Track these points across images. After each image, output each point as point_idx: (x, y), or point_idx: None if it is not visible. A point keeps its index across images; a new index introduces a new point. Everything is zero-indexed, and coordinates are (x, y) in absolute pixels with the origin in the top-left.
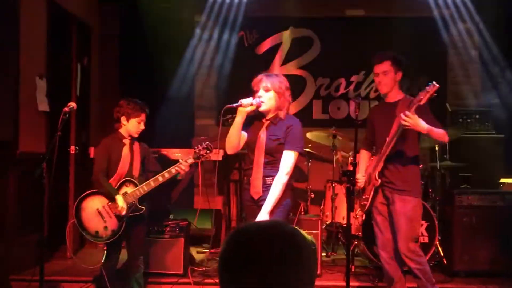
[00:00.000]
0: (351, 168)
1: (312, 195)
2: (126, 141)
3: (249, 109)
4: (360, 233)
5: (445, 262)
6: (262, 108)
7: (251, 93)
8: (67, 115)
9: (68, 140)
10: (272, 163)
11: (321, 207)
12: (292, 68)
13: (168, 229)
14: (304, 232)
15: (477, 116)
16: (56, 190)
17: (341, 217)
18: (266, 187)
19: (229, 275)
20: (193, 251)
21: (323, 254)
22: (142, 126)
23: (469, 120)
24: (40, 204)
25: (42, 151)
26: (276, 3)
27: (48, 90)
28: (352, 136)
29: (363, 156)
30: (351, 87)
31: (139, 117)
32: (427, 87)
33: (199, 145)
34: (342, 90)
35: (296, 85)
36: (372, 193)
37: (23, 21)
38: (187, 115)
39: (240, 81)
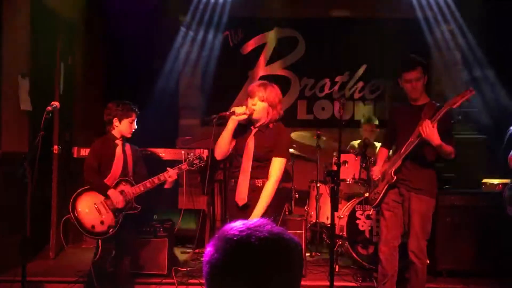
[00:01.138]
0: (335, 168)
1: (297, 195)
2: (119, 142)
3: (242, 117)
4: (344, 233)
5: (428, 261)
6: (253, 116)
7: (236, 94)
8: (50, 114)
9: (51, 139)
10: (259, 171)
11: (306, 207)
12: (277, 68)
13: (152, 229)
14: (290, 234)
15: (460, 117)
16: (39, 190)
17: (325, 217)
18: (254, 189)
19: (214, 278)
20: (177, 251)
21: (308, 254)
22: (134, 126)
23: (452, 122)
24: (23, 204)
25: (24, 151)
26: (261, 3)
27: (31, 89)
28: (336, 136)
29: (382, 153)
30: (336, 88)
31: (130, 117)
32: (464, 91)
33: (192, 154)
34: (326, 90)
35: (280, 85)
36: (385, 189)
37: (6, 19)
38: (172, 115)
39: (225, 81)
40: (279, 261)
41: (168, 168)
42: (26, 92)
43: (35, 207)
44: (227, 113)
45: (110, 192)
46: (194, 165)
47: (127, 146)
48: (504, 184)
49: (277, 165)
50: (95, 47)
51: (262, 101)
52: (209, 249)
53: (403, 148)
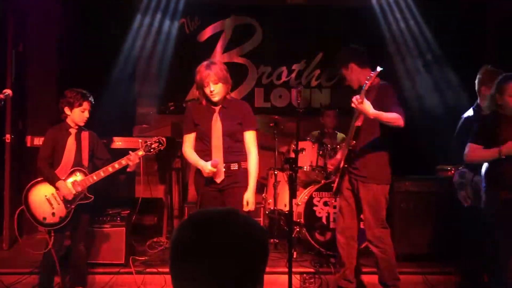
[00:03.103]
0: (293, 155)
1: None
2: (72, 131)
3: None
4: (301, 219)
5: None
6: (215, 99)
7: (193, 81)
8: (3, 102)
9: (4, 128)
10: (231, 146)
11: (263, 194)
12: (234, 56)
13: (109, 218)
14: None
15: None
16: None
17: (283, 204)
18: (230, 173)
19: (180, 263)
20: (135, 240)
21: None
22: (86, 115)
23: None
24: None
25: None
26: None
27: None
28: (293, 124)
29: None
30: (293, 75)
31: (81, 105)
32: (371, 73)
33: (151, 138)
34: (283, 78)
35: (238, 73)
36: (338, 178)
37: None
38: (128, 103)
39: (182, 68)
40: (250, 245)
41: (130, 152)
42: None
43: None
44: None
45: (59, 183)
46: (152, 149)
47: (84, 133)
48: (457, 169)
49: (252, 138)
50: (48, 33)
51: (216, 83)
52: (177, 230)
53: (349, 134)
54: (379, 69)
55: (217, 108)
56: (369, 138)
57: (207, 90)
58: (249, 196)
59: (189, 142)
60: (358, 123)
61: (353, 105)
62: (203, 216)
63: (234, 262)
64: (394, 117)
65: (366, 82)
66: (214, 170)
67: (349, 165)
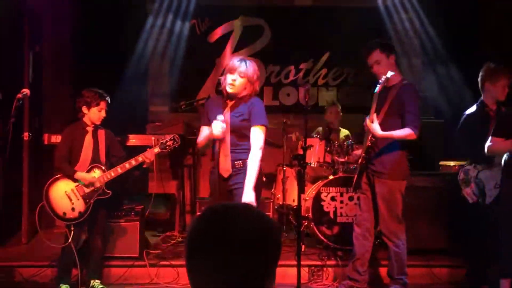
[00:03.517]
0: (301, 152)
1: (264, 178)
2: (89, 129)
3: (219, 136)
4: (309, 214)
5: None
6: (230, 90)
7: (204, 81)
8: (21, 102)
9: (22, 126)
10: (238, 141)
11: (272, 190)
12: (243, 56)
13: (123, 213)
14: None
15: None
16: (10, 177)
17: (291, 199)
18: (236, 171)
19: (196, 254)
20: (148, 234)
21: None
22: (103, 114)
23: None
24: None
25: None
26: None
27: (1, 78)
28: (301, 121)
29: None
30: (300, 74)
31: (99, 105)
32: (382, 78)
33: (166, 135)
34: (291, 77)
35: None
36: (357, 172)
37: None
38: (141, 102)
39: (193, 68)
40: (263, 240)
41: (147, 149)
42: None
43: (6, 193)
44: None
45: (77, 175)
46: (168, 147)
47: (101, 131)
48: (460, 166)
49: (256, 134)
50: (63, 34)
51: (242, 77)
52: (194, 223)
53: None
54: (389, 74)
55: (230, 104)
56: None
57: (229, 78)
58: (245, 198)
59: (203, 133)
60: (378, 121)
61: (366, 127)
62: (219, 209)
63: (247, 255)
64: (404, 135)
65: (378, 85)
66: (221, 123)
67: (367, 161)
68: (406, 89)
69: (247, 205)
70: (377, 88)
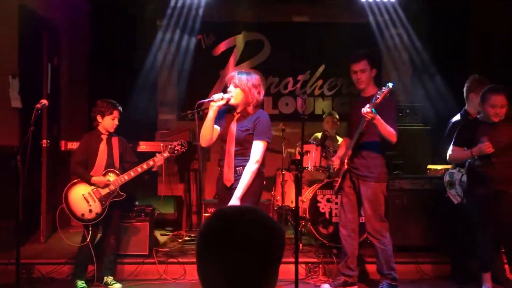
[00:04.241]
0: (299, 157)
1: (264, 182)
2: (104, 137)
3: (220, 103)
4: (306, 215)
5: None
6: (231, 102)
7: (209, 91)
8: (40, 111)
9: (40, 134)
10: (242, 153)
11: (272, 192)
12: (245, 68)
13: (134, 214)
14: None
15: (408, 111)
16: (30, 180)
17: (290, 201)
18: (237, 176)
19: (206, 252)
20: (157, 233)
21: None
22: (116, 122)
23: (400, 114)
24: (15, 193)
25: (15, 145)
26: (230, 9)
27: (21, 88)
28: (299, 129)
29: (344, 143)
30: (298, 85)
31: (112, 114)
32: (383, 88)
33: (172, 142)
34: (290, 88)
35: None
36: (341, 176)
37: None
38: (151, 111)
39: (199, 79)
40: (261, 241)
41: (157, 154)
42: (16, 91)
43: (26, 195)
44: (206, 100)
45: (93, 179)
46: (176, 151)
47: (114, 139)
48: (446, 169)
49: (255, 148)
50: (80, 47)
51: (236, 87)
52: (205, 223)
53: (353, 138)
54: (390, 85)
55: (237, 116)
56: (367, 143)
57: (228, 90)
58: (232, 203)
59: None
60: (363, 128)
61: (364, 114)
62: (228, 211)
63: (252, 254)
64: (391, 132)
65: (378, 96)
66: (218, 96)
67: (351, 166)
68: (387, 103)
69: (254, 208)
70: (379, 98)
